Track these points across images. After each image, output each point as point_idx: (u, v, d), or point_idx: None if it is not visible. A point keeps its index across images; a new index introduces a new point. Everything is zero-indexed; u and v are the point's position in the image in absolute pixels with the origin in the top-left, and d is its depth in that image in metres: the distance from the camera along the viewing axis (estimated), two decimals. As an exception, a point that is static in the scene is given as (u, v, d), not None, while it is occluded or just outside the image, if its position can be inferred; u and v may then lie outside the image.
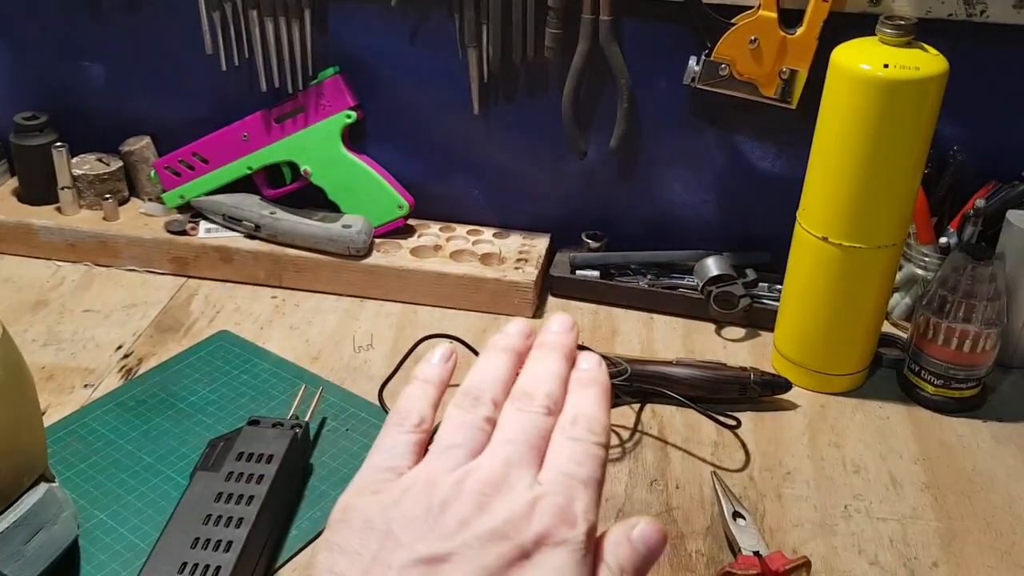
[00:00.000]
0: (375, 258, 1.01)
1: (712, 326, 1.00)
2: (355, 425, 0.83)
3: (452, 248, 1.03)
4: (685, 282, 1.01)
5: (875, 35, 0.78)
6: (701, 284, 0.98)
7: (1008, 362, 0.93)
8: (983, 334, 0.84)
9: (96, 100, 1.09)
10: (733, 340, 0.98)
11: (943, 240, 0.94)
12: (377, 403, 0.86)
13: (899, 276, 0.97)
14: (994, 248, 0.90)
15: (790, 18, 0.89)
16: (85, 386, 0.88)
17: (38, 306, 0.99)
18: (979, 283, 0.83)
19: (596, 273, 1.03)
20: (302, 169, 1.03)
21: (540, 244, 1.05)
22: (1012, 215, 0.89)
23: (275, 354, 0.92)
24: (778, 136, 0.97)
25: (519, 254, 1.03)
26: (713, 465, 0.81)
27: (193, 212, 1.07)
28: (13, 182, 1.12)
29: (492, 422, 0.44)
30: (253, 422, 0.76)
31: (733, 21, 0.90)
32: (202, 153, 1.05)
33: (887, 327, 0.97)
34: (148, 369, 0.90)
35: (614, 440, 0.83)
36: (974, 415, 0.88)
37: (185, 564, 0.62)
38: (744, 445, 0.83)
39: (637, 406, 0.87)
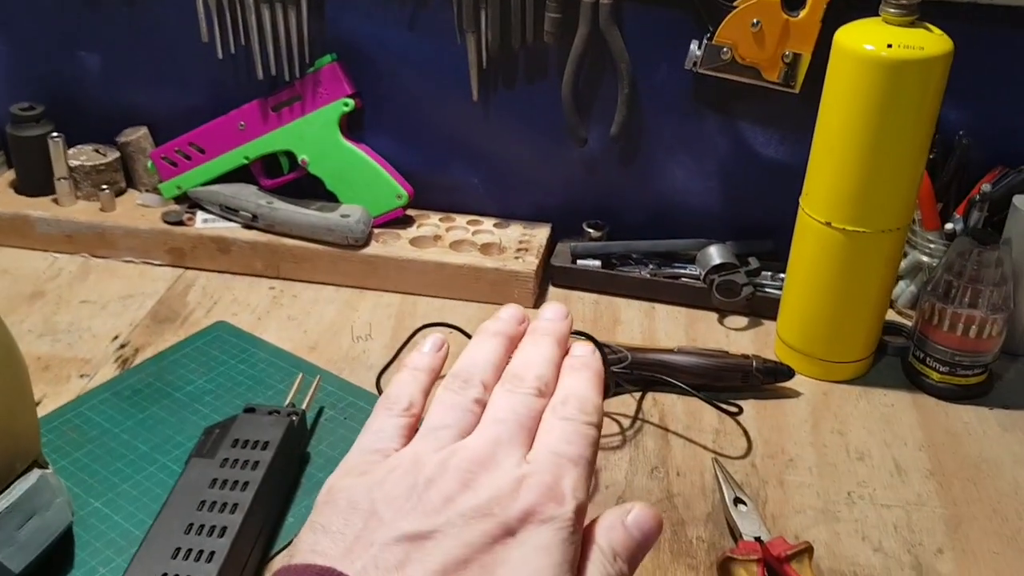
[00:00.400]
0: (374, 248, 1.00)
1: (715, 315, 0.98)
2: (353, 414, 0.82)
3: (452, 238, 1.02)
4: (687, 271, 1.00)
5: (879, 15, 0.77)
6: (703, 273, 0.97)
7: (1015, 350, 0.92)
8: (989, 319, 0.83)
9: (93, 90, 1.08)
10: (736, 329, 0.97)
11: (949, 226, 0.93)
12: (375, 391, 0.85)
13: (904, 264, 0.96)
14: (1000, 234, 0.89)
15: (793, 0, 0.88)
16: (81, 376, 0.87)
17: (35, 297, 0.98)
18: (985, 268, 0.82)
19: (597, 263, 1.02)
20: (299, 158, 1.03)
21: (541, 234, 1.04)
22: (1019, 200, 0.88)
23: (272, 344, 0.91)
24: (781, 121, 0.96)
25: (519, 244, 1.02)
26: (714, 452, 0.80)
27: (190, 202, 1.06)
28: (10, 174, 1.11)
29: (482, 404, 0.44)
30: (249, 409, 0.75)
31: (735, 4, 0.89)
32: (199, 143, 1.04)
33: (892, 315, 0.96)
34: (144, 359, 0.89)
35: (615, 428, 0.82)
36: (980, 402, 0.86)
37: (179, 549, 0.61)
38: (746, 432, 0.82)
39: (638, 394, 0.86)
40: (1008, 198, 0.89)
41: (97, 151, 1.08)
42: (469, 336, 0.89)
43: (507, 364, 0.47)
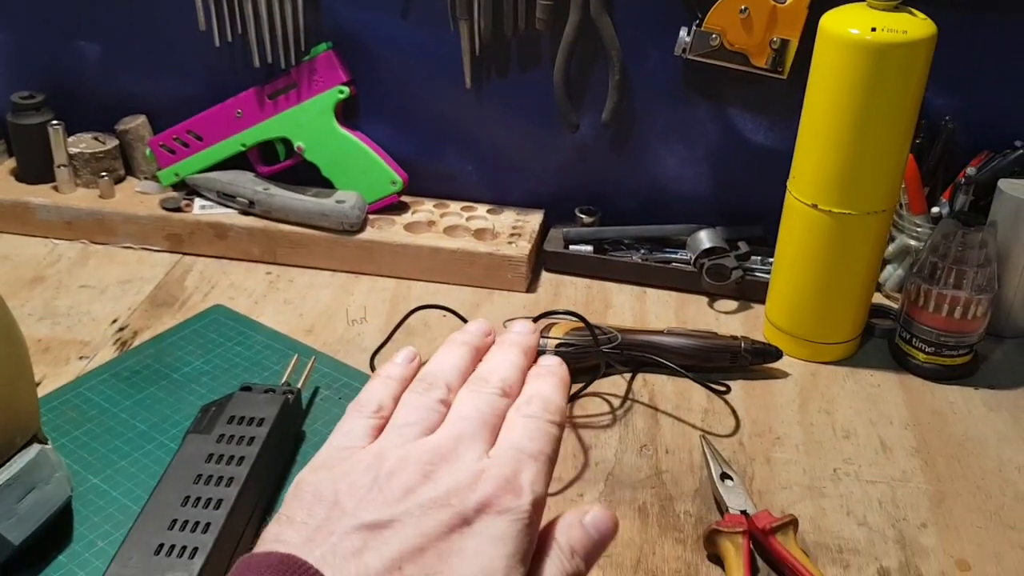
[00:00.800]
0: (369, 233, 1.02)
1: (705, 299, 1.00)
2: (348, 394, 0.84)
3: (446, 224, 1.04)
4: (678, 256, 1.01)
5: (863, 0, 0.78)
6: (694, 257, 0.98)
7: (1000, 331, 0.93)
8: (974, 300, 0.84)
9: (92, 79, 1.09)
10: (726, 312, 0.98)
11: (935, 210, 0.94)
12: (369, 372, 0.87)
13: (892, 247, 0.97)
14: (986, 217, 0.90)
15: (780, -12, 0.89)
16: (80, 358, 0.88)
17: (35, 282, 0.99)
18: (969, 249, 0.83)
19: (590, 248, 1.03)
20: (295, 145, 1.04)
21: (534, 219, 1.05)
22: (1004, 183, 0.89)
23: (269, 327, 0.93)
24: (770, 107, 0.97)
25: (513, 229, 1.03)
26: (703, 431, 0.81)
27: (188, 189, 1.07)
28: (10, 161, 1.12)
29: (446, 404, 0.46)
30: (245, 388, 0.76)
31: (723, -9, 0.90)
32: (196, 130, 1.06)
33: (880, 298, 0.98)
34: (142, 341, 0.90)
35: (605, 407, 0.84)
36: (966, 383, 0.88)
37: (175, 521, 0.63)
38: (734, 412, 0.83)
39: (628, 375, 0.87)
40: (993, 182, 0.90)
41: (96, 139, 1.09)
42: (464, 319, 0.90)
43: (472, 371, 0.49)
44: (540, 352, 0.51)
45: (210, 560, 0.60)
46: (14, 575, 0.64)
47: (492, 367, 0.48)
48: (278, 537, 0.39)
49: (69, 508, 0.69)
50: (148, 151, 1.08)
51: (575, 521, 0.43)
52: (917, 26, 0.76)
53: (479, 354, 0.50)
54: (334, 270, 1.03)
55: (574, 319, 0.83)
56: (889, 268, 0.98)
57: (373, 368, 0.87)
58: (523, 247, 1.00)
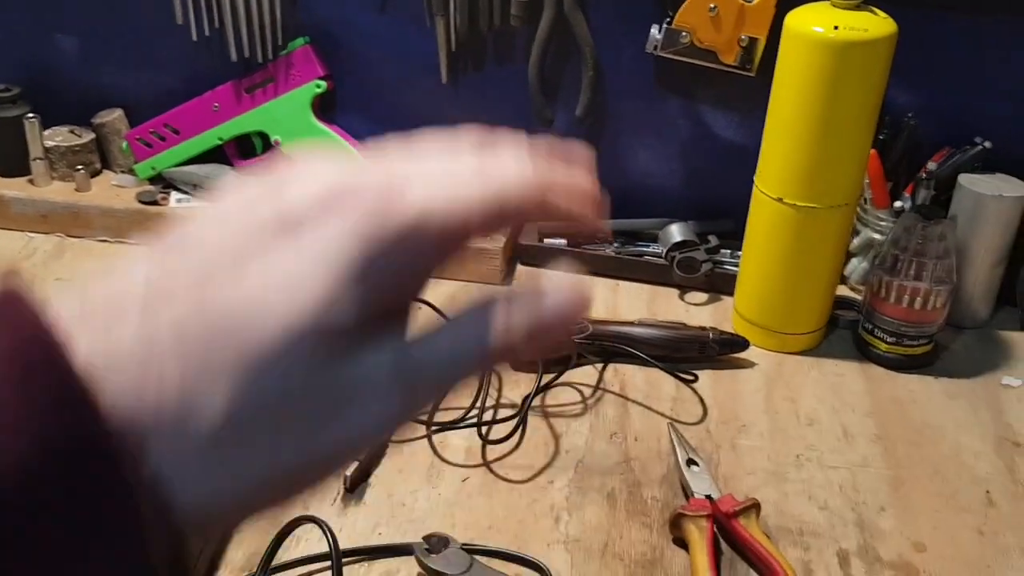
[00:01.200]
0: (345, 226, 1.03)
1: (676, 291, 1.02)
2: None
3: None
4: (650, 249, 1.03)
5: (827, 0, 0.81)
6: (665, 250, 1.00)
7: (960, 322, 0.95)
8: (933, 291, 0.87)
9: (68, 72, 1.10)
10: (696, 304, 1.00)
11: (898, 204, 0.96)
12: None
13: (856, 241, 1.00)
14: (947, 211, 0.93)
15: (748, -14, 0.91)
16: (58, 349, 0.89)
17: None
18: (929, 241, 0.86)
19: (563, 241, 1.05)
20: (272, 139, 1.05)
21: (508, 213, 1.07)
22: (963, 178, 0.92)
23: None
24: (739, 104, 0.99)
25: (487, 222, 1.05)
26: (671, 419, 0.83)
27: (164, 183, 1.08)
28: (-14, 154, 1.13)
29: None
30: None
31: (692, -11, 0.92)
32: (173, 124, 1.07)
33: (845, 291, 1.00)
34: (120, 332, 0.91)
35: (576, 396, 0.86)
36: (926, 372, 0.90)
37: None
38: (702, 400, 0.86)
39: (600, 365, 0.89)
40: (954, 177, 0.93)
41: (73, 132, 1.10)
42: (440, 311, 0.91)
43: None
44: None
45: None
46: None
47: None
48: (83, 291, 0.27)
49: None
50: (125, 144, 1.09)
51: (527, 306, 0.28)
52: (878, 24, 0.78)
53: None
54: (310, 262, 1.04)
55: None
56: (854, 261, 1.01)
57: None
58: (498, 240, 1.01)
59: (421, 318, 0.29)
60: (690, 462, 0.75)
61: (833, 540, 0.72)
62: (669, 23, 0.94)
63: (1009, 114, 0.95)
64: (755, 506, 0.70)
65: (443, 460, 0.78)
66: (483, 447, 0.79)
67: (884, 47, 0.79)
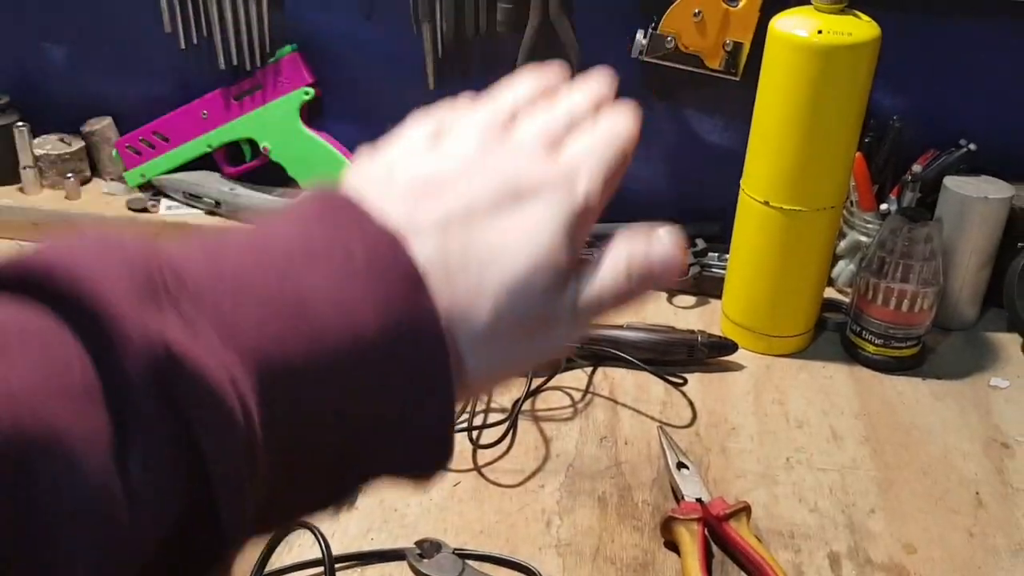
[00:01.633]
0: (335, 233, 1.03)
1: (663, 295, 1.02)
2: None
3: (411, 223, 1.05)
4: (638, 253, 1.03)
5: (811, 4, 0.81)
6: (653, 254, 1.00)
7: (947, 324, 0.96)
8: (920, 293, 0.87)
9: (58, 81, 1.10)
10: (683, 308, 1.00)
11: (884, 207, 0.97)
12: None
13: (843, 244, 1.00)
14: (932, 213, 0.93)
15: (733, -8, 0.92)
16: (47, 358, 0.89)
17: None
18: (915, 244, 0.86)
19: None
20: (261, 146, 1.05)
21: (497, 218, 1.07)
22: (949, 180, 0.93)
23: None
24: (725, 108, 1.00)
25: (476, 228, 1.05)
26: (661, 422, 0.83)
27: (154, 190, 1.08)
28: (-25, 163, 1.13)
29: (510, 115, 0.41)
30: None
31: (678, -5, 0.92)
32: (163, 131, 1.07)
33: (832, 293, 1.01)
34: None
35: (566, 401, 0.86)
36: (914, 373, 0.91)
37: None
38: (691, 404, 0.86)
39: (589, 369, 0.90)
40: (940, 179, 0.93)
41: (62, 140, 1.10)
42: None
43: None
44: None
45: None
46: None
47: (562, 98, 0.43)
48: (385, 200, 0.36)
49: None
50: (114, 152, 1.09)
51: (641, 246, 0.40)
52: (862, 28, 0.79)
53: (546, 90, 0.44)
54: (300, 269, 1.04)
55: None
56: (841, 264, 1.01)
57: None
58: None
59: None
60: (680, 465, 0.76)
61: (824, 542, 0.72)
62: (654, 28, 0.94)
63: (994, 116, 0.96)
64: (745, 509, 0.71)
65: (434, 466, 0.78)
66: (474, 452, 0.79)
67: (868, 51, 0.79)
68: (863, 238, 0.99)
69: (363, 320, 0.31)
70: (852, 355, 0.92)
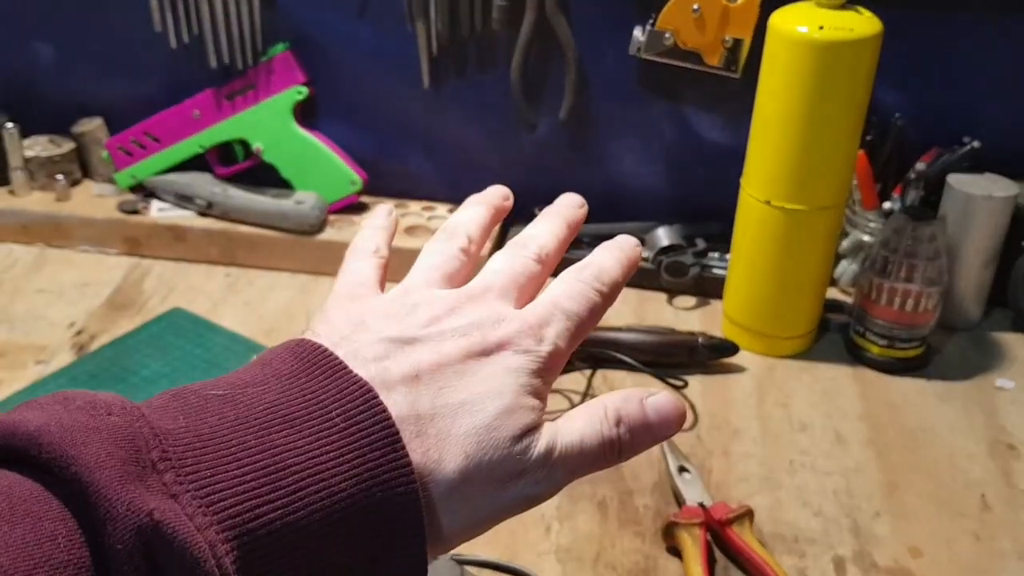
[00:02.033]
0: (329, 234, 1.02)
1: (664, 296, 1.01)
2: (308, 394, 0.84)
3: (407, 223, 1.04)
4: (637, 254, 1.02)
5: (812, -1, 0.80)
6: (652, 254, 0.99)
7: (952, 324, 0.95)
8: (924, 293, 0.86)
9: (47, 81, 1.08)
10: (684, 309, 0.99)
11: (887, 205, 0.96)
12: (330, 373, 0.87)
13: (846, 243, 0.99)
14: (936, 211, 0.92)
15: (732, -13, 0.90)
16: (37, 362, 0.87)
17: (-11, 287, 0.99)
18: (919, 243, 0.85)
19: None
20: (254, 146, 1.04)
21: (494, 219, 1.06)
22: (952, 178, 0.91)
23: (228, 329, 0.92)
24: (724, 106, 0.98)
25: (473, 228, 1.03)
26: (662, 425, 0.82)
27: (145, 191, 1.07)
28: (-36, 165, 1.11)
29: (467, 253, 0.44)
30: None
31: (676, -9, 0.91)
32: (153, 132, 1.05)
33: (835, 293, 0.99)
34: (100, 345, 0.90)
35: (565, 404, 0.84)
36: (918, 375, 0.89)
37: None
38: (693, 406, 0.84)
39: (588, 371, 0.88)
40: (943, 177, 0.92)
41: (52, 141, 1.08)
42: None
43: (493, 228, 0.47)
44: None
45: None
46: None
47: (531, 234, 0.45)
48: (355, 357, 0.37)
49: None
50: (105, 153, 1.07)
51: (634, 397, 0.40)
52: (863, 24, 0.77)
53: (498, 214, 0.48)
54: (294, 271, 1.03)
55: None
56: (844, 263, 1.00)
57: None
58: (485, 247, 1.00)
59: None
60: (682, 469, 0.74)
61: (828, 547, 0.71)
62: (652, 25, 0.93)
63: (998, 113, 0.95)
64: (748, 513, 0.69)
65: (430, 471, 0.77)
66: (471, 457, 0.78)
67: (870, 47, 0.78)
68: (866, 237, 0.97)
69: (338, 480, 0.32)
70: (855, 356, 0.91)
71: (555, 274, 0.44)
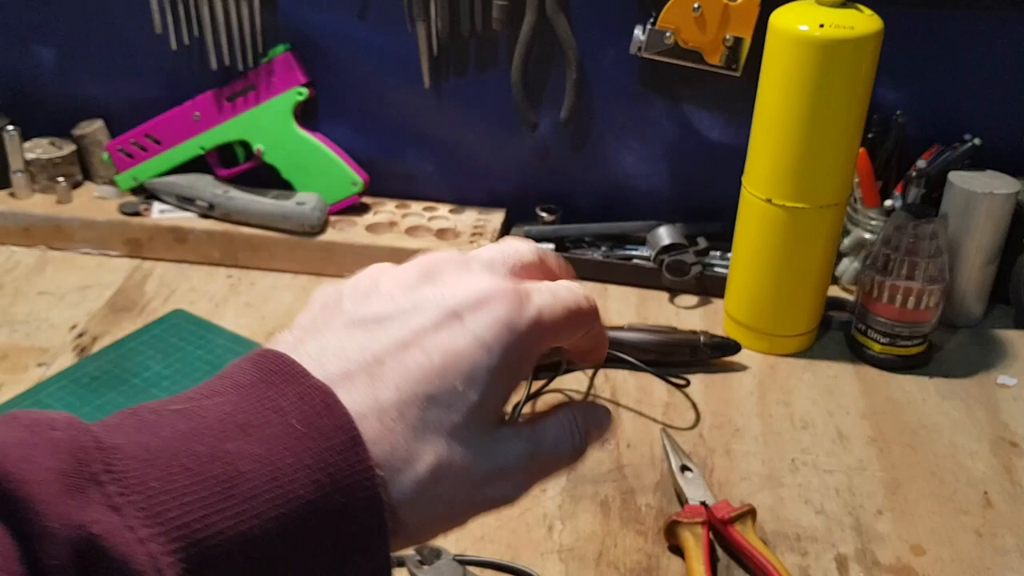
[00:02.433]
0: (330, 235, 1.02)
1: (665, 295, 1.01)
2: (310, 395, 0.84)
3: (408, 224, 1.04)
4: (639, 253, 1.02)
5: (812, -3, 0.80)
6: (654, 253, 0.99)
7: (954, 321, 0.95)
8: (926, 291, 0.86)
9: (47, 83, 1.09)
10: (686, 308, 0.99)
11: (888, 203, 0.95)
12: (331, 373, 0.87)
13: (847, 241, 0.99)
14: (937, 209, 0.92)
15: (732, -14, 0.90)
16: (39, 365, 0.87)
17: (-9, 289, 0.99)
18: (921, 240, 0.85)
19: (551, 246, 1.03)
20: (255, 148, 1.04)
21: (495, 218, 1.06)
22: (954, 176, 0.91)
23: (230, 331, 0.92)
24: (725, 104, 0.98)
25: (474, 228, 1.04)
26: (663, 424, 0.82)
27: (147, 194, 1.07)
28: (-35, 168, 1.11)
29: None
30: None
31: (677, -10, 0.91)
32: (154, 134, 1.05)
33: (837, 291, 0.99)
34: (102, 347, 0.90)
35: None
36: (921, 372, 0.89)
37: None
38: (695, 405, 0.84)
39: (590, 371, 0.88)
40: (944, 174, 0.92)
41: (53, 144, 1.08)
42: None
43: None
44: None
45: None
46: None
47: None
48: (279, 341, 0.37)
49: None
50: (106, 155, 1.07)
51: (603, 418, 0.41)
52: (864, 21, 0.77)
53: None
54: (296, 272, 1.03)
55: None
56: (845, 261, 1.00)
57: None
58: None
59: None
60: (684, 468, 0.74)
61: (831, 545, 0.71)
62: (653, 24, 0.93)
63: (999, 110, 0.95)
64: (751, 512, 0.69)
65: (433, 471, 0.77)
66: (473, 457, 0.78)
67: (870, 44, 0.78)
68: (867, 235, 0.97)
69: (296, 486, 0.31)
70: (857, 354, 0.91)
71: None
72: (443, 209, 1.07)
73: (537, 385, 0.85)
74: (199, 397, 0.33)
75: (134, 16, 1.02)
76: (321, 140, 1.04)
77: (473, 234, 1.02)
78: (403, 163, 1.07)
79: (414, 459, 0.33)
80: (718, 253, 1.01)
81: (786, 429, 0.82)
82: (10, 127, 1.05)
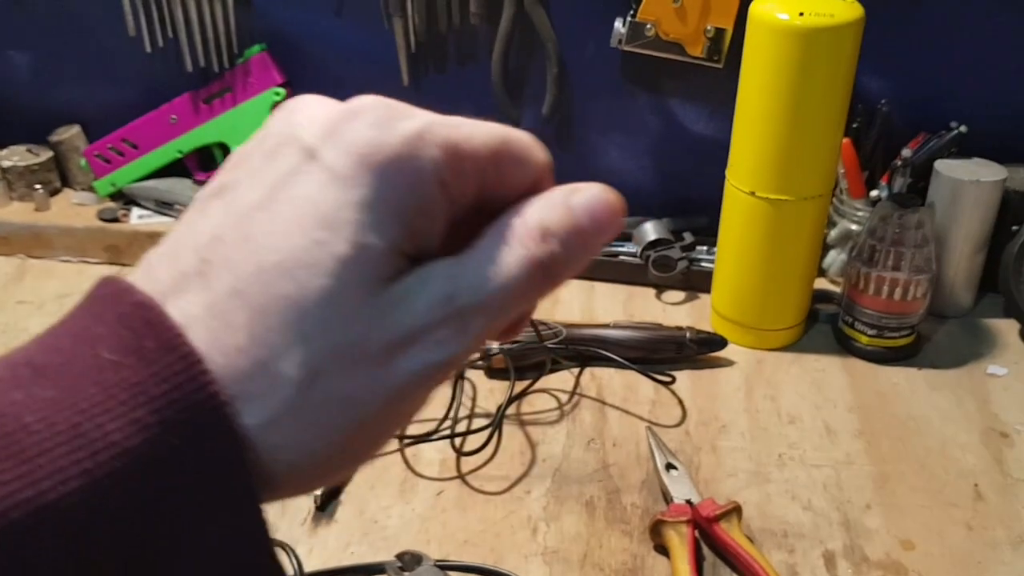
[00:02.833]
0: (311, 236, 1.01)
1: (652, 291, 1.00)
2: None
3: (390, 224, 1.03)
4: (625, 249, 1.01)
5: (791, -14, 0.79)
6: (640, 249, 0.98)
7: (943, 311, 0.93)
8: (913, 281, 0.85)
9: (23, 90, 1.07)
10: (673, 303, 0.98)
11: (874, 193, 0.94)
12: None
13: (834, 233, 0.98)
14: (924, 198, 0.91)
15: (712, -24, 0.89)
16: (16, 374, 0.86)
17: (-31, 299, 0.97)
18: (906, 230, 0.84)
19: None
20: (233, 150, 1.02)
21: (478, 217, 1.04)
22: (940, 164, 0.90)
23: (211, 335, 0.91)
24: (708, 97, 0.97)
25: (457, 227, 1.02)
26: (649, 422, 0.81)
27: (125, 199, 1.05)
28: (-58, 177, 1.10)
29: None
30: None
31: (655, -19, 0.90)
32: (131, 138, 1.04)
33: (824, 283, 0.98)
34: (81, 355, 0.88)
35: (553, 403, 0.83)
36: (909, 363, 0.88)
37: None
38: (681, 402, 0.83)
39: (576, 370, 0.87)
40: (930, 163, 0.91)
41: (30, 151, 1.07)
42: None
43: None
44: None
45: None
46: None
47: None
48: (148, 269, 0.27)
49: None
50: (83, 161, 1.06)
51: (557, 201, 0.28)
52: (844, 9, 0.76)
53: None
54: (277, 275, 1.01)
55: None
56: (832, 253, 0.99)
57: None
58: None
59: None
60: (669, 466, 0.73)
61: (818, 541, 0.69)
62: (633, 16, 0.92)
63: (984, 97, 0.94)
64: (736, 509, 0.68)
65: (416, 474, 0.76)
66: (457, 459, 0.77)
67: (851, 32, 0.77)
68: (854, 227, 0.96)
69: (106, 431, 0.23)
70: (845, 347, 0.89)
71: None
72: (426, 208, 1.06)
73: (522, 385, 0.84)
74: (19, 350, 0.26)
75: (108, 19, 1.00)
76: (300, 141, 1.03)
77: (456, 233, 1.01)
78: (384, 162, 1.06)
79: (275, 357, 0.25)
80: (704, 248, 0.99)
81: (773, 424, 0.81)
82: (-14, 134, 1.04)
